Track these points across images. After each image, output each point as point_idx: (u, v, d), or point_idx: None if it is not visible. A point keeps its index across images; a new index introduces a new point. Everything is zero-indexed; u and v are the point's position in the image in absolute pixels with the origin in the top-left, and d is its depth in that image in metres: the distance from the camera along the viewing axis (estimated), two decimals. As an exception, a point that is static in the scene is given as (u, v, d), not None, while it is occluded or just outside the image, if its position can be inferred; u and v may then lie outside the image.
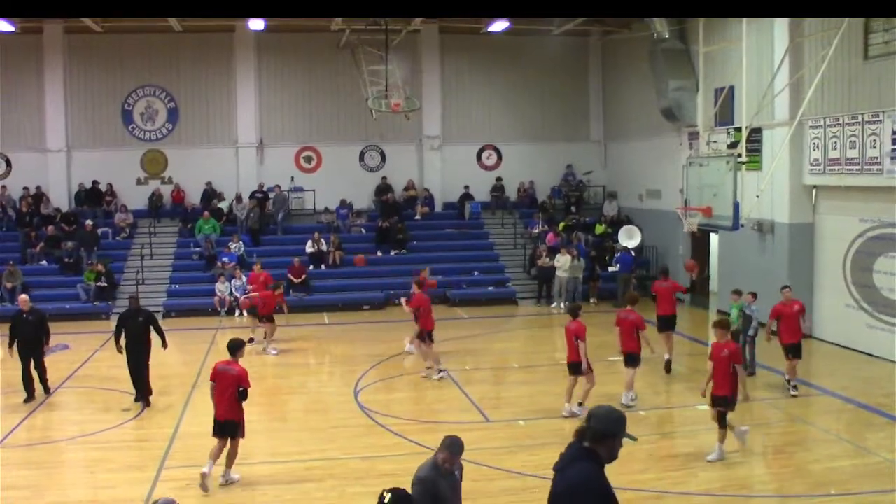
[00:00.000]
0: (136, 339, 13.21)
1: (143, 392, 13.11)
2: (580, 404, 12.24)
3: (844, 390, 13.54)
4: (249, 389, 9.72)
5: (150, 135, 25.79)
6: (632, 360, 12.87)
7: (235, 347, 9.79)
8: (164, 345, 13.55)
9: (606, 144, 27.76)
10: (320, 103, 26.31)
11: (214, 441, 9.69)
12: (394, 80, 21.33)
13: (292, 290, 22.04)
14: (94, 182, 25.13)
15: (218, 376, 9.67)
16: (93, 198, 25.04)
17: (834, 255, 17.02)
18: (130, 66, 25.34)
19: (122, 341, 13.19)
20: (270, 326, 17.31)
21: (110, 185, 25.28)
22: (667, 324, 15.44)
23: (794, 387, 13.41)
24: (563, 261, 22.40)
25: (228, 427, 9.66)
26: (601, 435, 4.62)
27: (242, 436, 9.79)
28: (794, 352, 13.40)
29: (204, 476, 9.40)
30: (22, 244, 23.25)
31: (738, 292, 14.89)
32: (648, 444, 11.09)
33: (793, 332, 13.44)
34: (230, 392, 9.56)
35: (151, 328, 13.36)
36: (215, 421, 9.70)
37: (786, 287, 13.96)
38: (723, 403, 10.37)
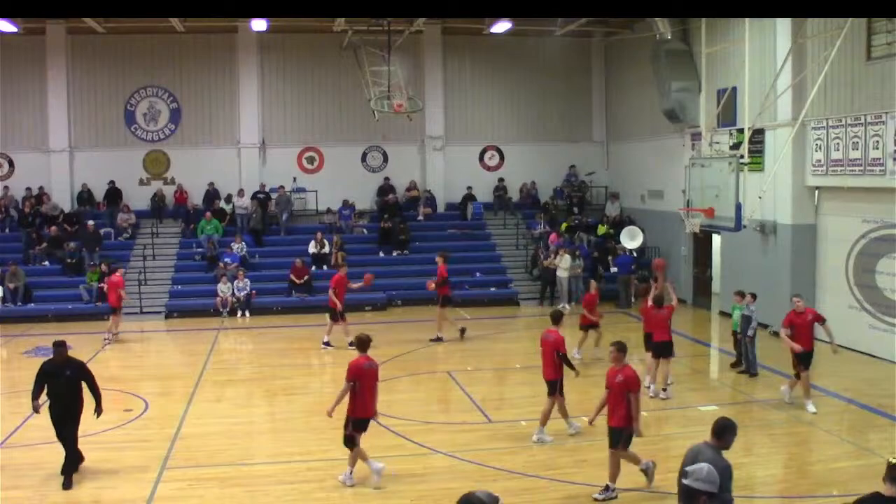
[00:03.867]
0: (61, 398, 9.65)
1: (72, 461, 9.78)
2: (664, 388, 13.33)
3: (846, 391, 13.51)
4: (256, 390, 9.75)
5: (153, 135, 25.81)
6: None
7: (557, 316, 11.32)
8: (98, 410, 9.92)
9: (609, 145, 27.74)
10: (323, 104, 26.32)
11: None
12: (396, 80, 21.34)
13: (294, 291, 22.04)
14: (111, 182, 25.11)
15: (542, 342, 11.18)
16: (110, 197, 25.10)
17: (836, 257, 16.99)
18: (133, 66, 25.36)
19: (43, 398, 9.80)
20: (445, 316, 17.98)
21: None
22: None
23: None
24: (563, 261, 22.43)
25: (549, 386, 11.07)
26: None
27: (560, 394, 11.09)
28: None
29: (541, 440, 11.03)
30: (24, 244, 23.27)
31: (741, 294, 14.89)
32: (651, 445, 11.09)
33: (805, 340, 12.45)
34: (550, 355, 10.98)
35: (83, 384, 9.86)
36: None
37: (796, 295, 13.05)
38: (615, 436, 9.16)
